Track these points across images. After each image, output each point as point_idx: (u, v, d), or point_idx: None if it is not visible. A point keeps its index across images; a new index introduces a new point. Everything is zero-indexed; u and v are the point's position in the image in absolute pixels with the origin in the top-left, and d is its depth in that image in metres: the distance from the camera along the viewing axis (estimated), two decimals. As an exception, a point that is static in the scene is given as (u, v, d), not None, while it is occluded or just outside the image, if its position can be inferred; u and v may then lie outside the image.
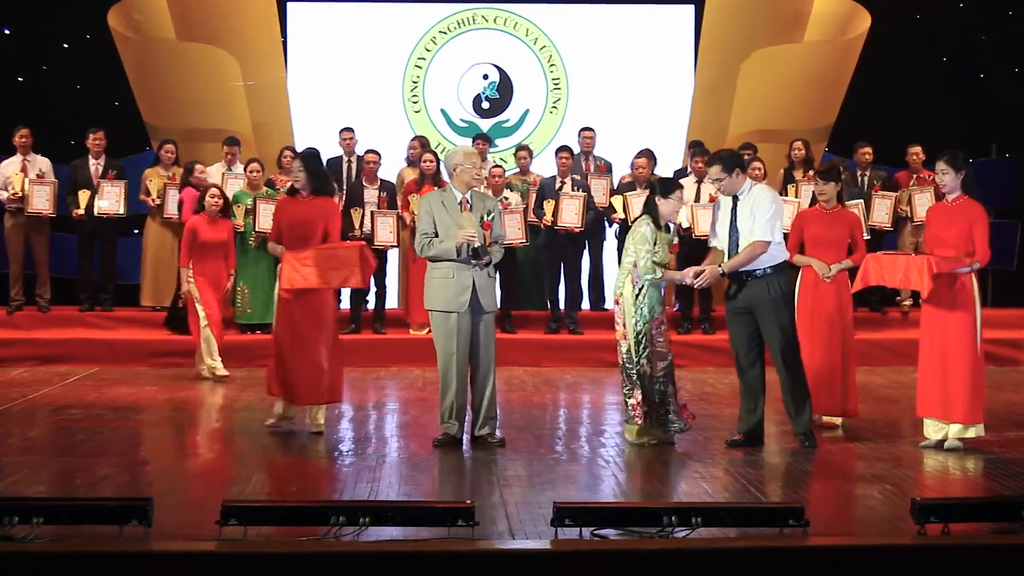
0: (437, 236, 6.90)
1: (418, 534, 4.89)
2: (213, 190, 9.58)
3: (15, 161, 10.74)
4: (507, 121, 12.86)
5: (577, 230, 10.62)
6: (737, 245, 6.90)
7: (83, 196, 10.74)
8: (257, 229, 10.30)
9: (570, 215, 10.58)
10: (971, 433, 6.86)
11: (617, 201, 10.70)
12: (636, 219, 7.20)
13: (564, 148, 10.99)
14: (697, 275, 6.91)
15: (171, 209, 10.71)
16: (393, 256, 11.13)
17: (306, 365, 7.18)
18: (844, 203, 7.78)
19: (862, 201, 10.53)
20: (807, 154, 11.21)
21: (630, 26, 12.88)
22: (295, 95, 12.61)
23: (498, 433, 7.05)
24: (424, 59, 12.83)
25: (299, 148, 11.15)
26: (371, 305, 10.93)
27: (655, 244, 6.86)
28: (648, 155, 10.85)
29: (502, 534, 5.07)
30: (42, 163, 10.79)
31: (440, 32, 12.86)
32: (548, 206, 10.67)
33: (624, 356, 6.93)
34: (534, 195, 10.83)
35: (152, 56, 12.42)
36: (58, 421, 7.78)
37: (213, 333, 9.32)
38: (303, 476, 6.40)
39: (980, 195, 7.18)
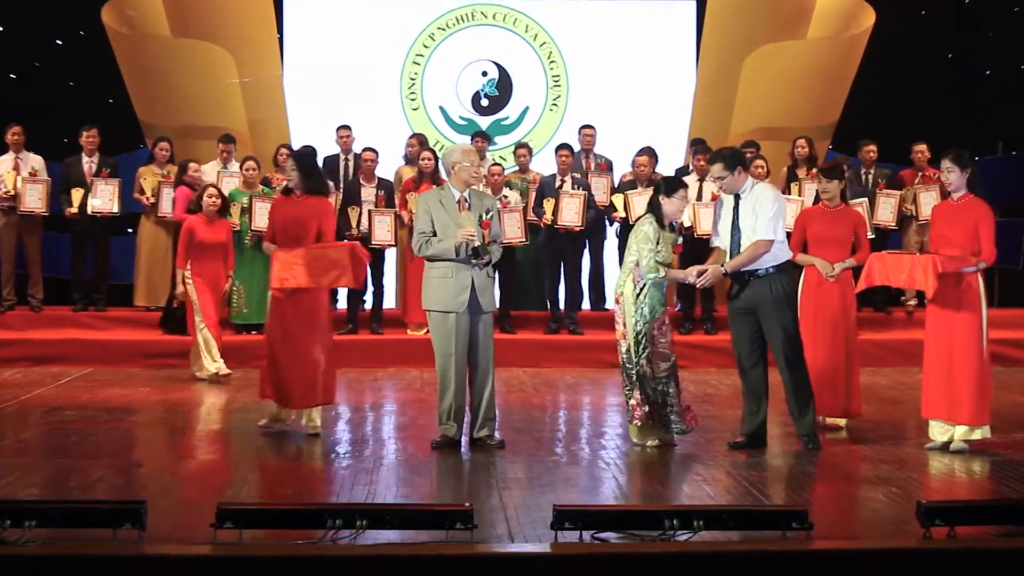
0: (435, 235, 6.84)
1: (416, 537, 4.85)
2: (211, 190, 9.46)
3: (7, 159, 10.66)
4: (506, 118, 12.77)
5: (577, 229, 10.54)
6: (739, 244, 6.83)
7: (76, 194, 10.66)
8: (253, 228, 10.24)
9: (570, 214, 10.51)
10: (977, 435, 6.80)
11: (618, 200, 10.63)
12: (638, 218, 7.14)
13: (564, 146, 10.91)
14: (700, 274, 6.85)
15: (165, 208, 10.63)
16: (390, 255, 11.06)
17: (299, 366, 7.11)
18: (848, 201, 7.74)
19: (866, 200, 10.45)
20: (810, 152, 11.16)
21: (631, 22, 12.80)
22: (291, 92, 12.52)
23: (497, 435, 6.99)
24: (422, 56, 12.74)
25: (296, 146, 11.09)
26: (368, 305, 10.85)
27: (658, 243, 6.81)
28: (649, 153, 10.78)
29: (501, 537, 5.03)
30: (35, 161, 10.71)
31: (439, 28, 12.77)
32: (548, 205, 10.59)
33: (624, 356, 6.88)
34: (534, 193, 10.77)
35: (146, 53, 12.31)
36: (51, 423, 7.72)
37: (212, 334, 9.23)
38: (299, 478, 6.35)
39: (986, 193, 7.09)
